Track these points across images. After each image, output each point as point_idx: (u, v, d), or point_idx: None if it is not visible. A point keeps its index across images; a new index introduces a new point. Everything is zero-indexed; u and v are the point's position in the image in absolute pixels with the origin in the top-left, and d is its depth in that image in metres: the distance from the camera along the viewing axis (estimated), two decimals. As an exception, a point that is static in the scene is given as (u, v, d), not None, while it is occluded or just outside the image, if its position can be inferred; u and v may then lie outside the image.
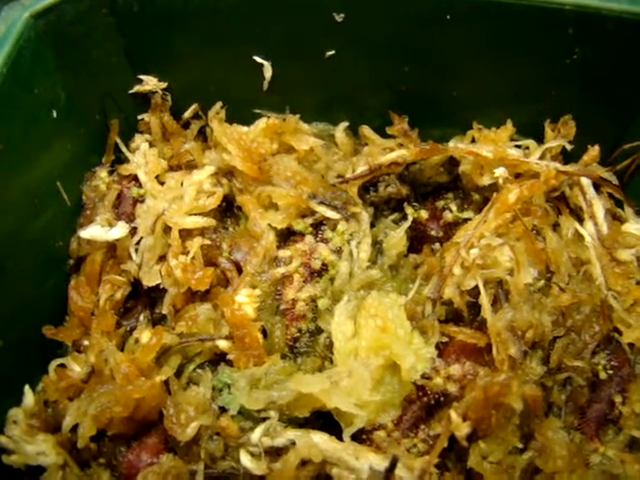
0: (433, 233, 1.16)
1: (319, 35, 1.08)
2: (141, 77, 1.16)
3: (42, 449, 0.96)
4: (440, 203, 1.18)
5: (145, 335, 1.00)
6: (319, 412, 0.99)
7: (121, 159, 1.20)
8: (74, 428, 0.98)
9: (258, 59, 1.12)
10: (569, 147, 1.13)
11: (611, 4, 0.98)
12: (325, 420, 0.99)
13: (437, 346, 1.00)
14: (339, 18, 1.05)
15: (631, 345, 1.04)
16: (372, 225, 1.15)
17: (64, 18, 1.02)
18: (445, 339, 1.02)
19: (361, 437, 0.96)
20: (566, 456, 0.95)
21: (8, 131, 0.96)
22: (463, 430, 0.91)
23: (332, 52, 1.10)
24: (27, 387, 1.01)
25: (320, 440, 0.93)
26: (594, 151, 1.12)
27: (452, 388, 0.95)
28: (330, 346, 1.03)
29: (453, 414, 0.91)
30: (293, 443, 0.94)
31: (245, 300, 1.03)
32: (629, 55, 1.02)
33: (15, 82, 0.96)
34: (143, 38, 1.10)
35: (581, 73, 1.06)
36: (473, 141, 1.17)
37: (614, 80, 1.06)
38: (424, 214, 1.15)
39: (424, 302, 1.04)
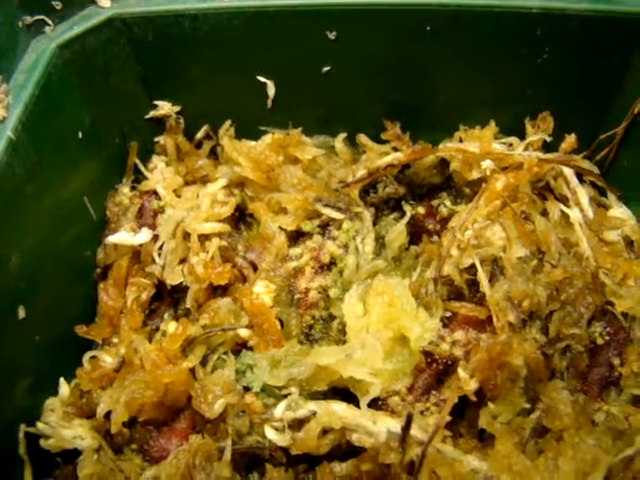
0: (430, 227, 1.25)
1: (315, 52, 1.19)
2: (156, 102, 1.27)
3: (78, 433, 1.03)
4: (435, 202, 1.27)
5: (171, 325, 1.08)
6: (336, 388, 1.06)
7: (139, 180, 1.30)
8: (107, 417, 1.05)
9: (262, 79, 1.23)
10: (549, 139, 1.23)
11: (573, 4, 1.09)
12: (342, 396, 1.05)
13: (441, 321, 1.08)
14: (332, 36, 1.17)
15: (625, 315, 1.11)
16: (374, 224, 1.24)
17: (87, 49, 1.14)
18: (448, 314, 1.10)
19: (377, 405, 1.03)
20: (571, 414, 1.02)
21: (41, 146, 1.06)
22: (471, 385, 0.98)
23: (328, 68, 1.21)
24: (62, 379, 1.09)
25: (339, 408, 1.00)
26: (571, 139, 1.22)
27: (458, 352, 1.03)
28: (343, 331, 1.12)
29: (461, 371, 0.99)
30: (314, 413, 1.00)
31: (262, 290, 1.11)
32: (594, 49, 1.13)
33: (46, 103, 1.07)
34: (157, 66, 1.21)
35: (552, 70, 1.17)
36: (460, 141, 1.27)
37: (583, 74, 1.17)
38: (421, 210, 1.25)
39: (426, 283, 1.12)
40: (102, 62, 1.17)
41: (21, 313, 1.01)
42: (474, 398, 0.98)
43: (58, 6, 1.12)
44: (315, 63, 1.21)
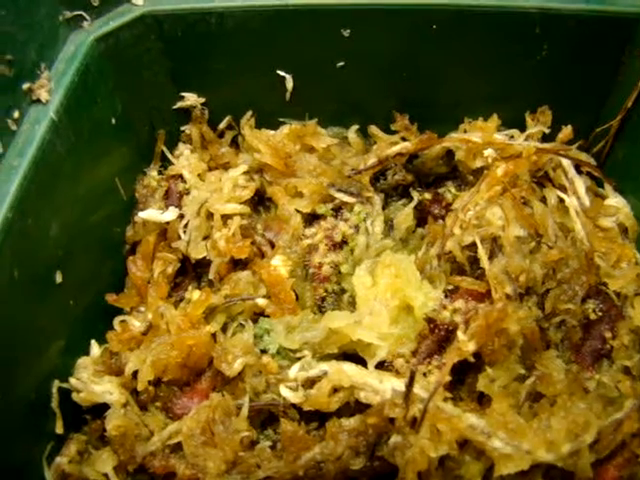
0: (436, 212, 1.33)
1: (330, 49, 1.28)
2: (183, 94, 1.36)
3: (107, 388, 1.11)
4: (441, 190, 1.36)
5: (195, 293, 1.18)
6: (346, 354, 1.14)
7: (166, 167, 1.40)
8: (134, 376, 1.14)
9: (281, 73, 1.33)
10: (548, 132, 1.31)
11: (569, 4, 1.18)
12: (351, 361, 1.13)
13: (444, 293, 1.16)
14: (346, 33, 1.26)
15: (618, 294, 1.19)
16: (383, 209, 1.33)
17: (121, 43, 1.23)
18: (451, 287, 1.18)
19: (383, 367, 1.11)
20: (564, 380, 1.09)
21: (79, 129, 1.15)
22: (469, 346, 1.05)
23: (342, 63, 1.30)
24: (93, 341, 1.18)
25: (349, 368, 1.08)
26: (567, 130, 1.30)
27: (458, 319, 1.10)
28: (353, 303, 1.20)
29: (460, 334, 1.06)
30: (325, 373, 1.08)
31: (279, 263, 1.21)
32: (589, 47, 1.21)
33: (83, 90, 1.16)
34: (185, 60, 1.31)
35: (551, 67, 1.25)
36: (465, 132, 1.36)
37: (580, 70, 1.25)
38: (428, 196, 1.34)
39: (431, 260, 1.21)
40: (134, 55, 1.27)
41: (58, 278, 1.10)
42: (472, 359, 1.06)
43: (95, 3, 1.21)
44: (330, 59, 1.30)
